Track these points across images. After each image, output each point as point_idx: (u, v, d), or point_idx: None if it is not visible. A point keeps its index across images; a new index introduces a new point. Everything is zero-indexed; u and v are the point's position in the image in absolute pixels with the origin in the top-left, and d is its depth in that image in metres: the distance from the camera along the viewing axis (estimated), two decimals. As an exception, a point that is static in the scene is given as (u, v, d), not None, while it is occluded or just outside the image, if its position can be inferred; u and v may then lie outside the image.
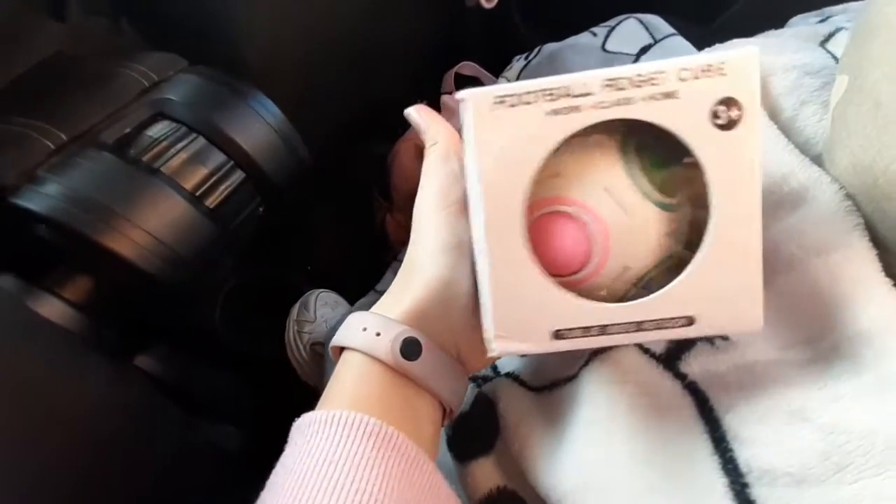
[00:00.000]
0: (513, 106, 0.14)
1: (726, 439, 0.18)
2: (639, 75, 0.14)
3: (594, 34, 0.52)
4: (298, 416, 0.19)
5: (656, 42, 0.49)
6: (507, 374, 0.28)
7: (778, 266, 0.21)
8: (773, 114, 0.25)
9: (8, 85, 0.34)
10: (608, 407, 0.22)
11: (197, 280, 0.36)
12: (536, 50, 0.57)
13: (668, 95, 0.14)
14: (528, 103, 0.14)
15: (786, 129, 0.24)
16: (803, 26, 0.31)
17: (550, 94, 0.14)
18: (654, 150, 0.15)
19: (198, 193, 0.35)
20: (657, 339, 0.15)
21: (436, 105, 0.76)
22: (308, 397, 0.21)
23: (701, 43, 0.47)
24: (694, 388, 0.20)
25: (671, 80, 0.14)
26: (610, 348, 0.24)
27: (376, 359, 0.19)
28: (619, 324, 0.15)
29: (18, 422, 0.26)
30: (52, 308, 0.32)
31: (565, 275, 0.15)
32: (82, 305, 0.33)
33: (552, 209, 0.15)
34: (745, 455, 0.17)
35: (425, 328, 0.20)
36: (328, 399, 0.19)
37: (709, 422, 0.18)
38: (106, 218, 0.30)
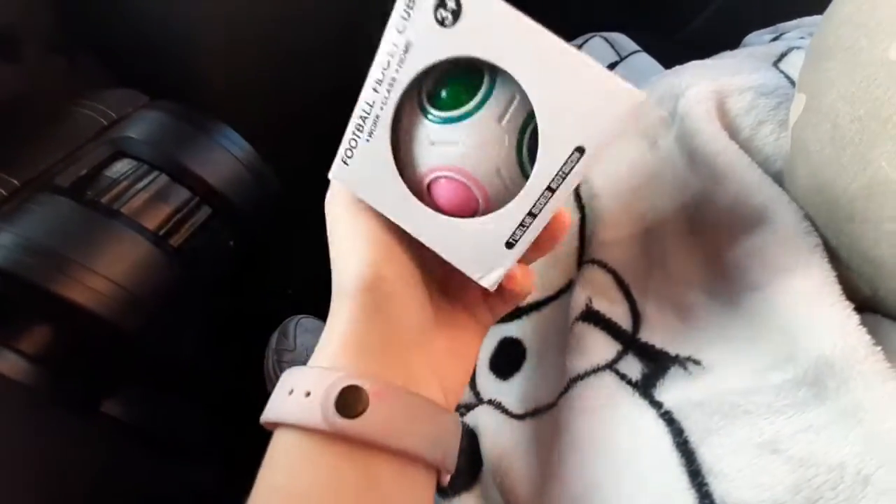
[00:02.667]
0: (350, 156, 0.17)
1: (702, 473, 0.17)
2: (382, 60, 0.15)
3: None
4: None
5: (622, 59, 0.50)
6: (490, 402, 0.28)
7: (744, 284, 0.21)
8: (732, 134, 0.26)
9: (-43, 129, 0.32)
10: (588, 438, 0.22)
11: (163, 322, 0.34)
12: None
13: (407, 48, 0.15)
14: (356, 145, 0.17)
15: (745, 148, 0.25)
16: (757, 46, 0.32)
17: (360, 128, 0.16)
18: (441, 84, 0.16)
19: (161, 233, 0.33)
20: (572, 188, 0.15)
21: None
22: None
23: (665, 57, 0.48)
24: (669, 417, 0.20)
25: (398, 38, 0.15)
26: (586, 376, 0.23)
27: (315, 430, 0.15)
28: (536, 200, 0.15)
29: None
30: (7, 364, 0.31)
31: (474, 213, 0.17)
32: (41, 358, 0.32)
33: (425, 183, 0.17)
34: (721, 490, 0.17)
35: (370, 358, 0.16)
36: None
37: (684, 454, 0.18)
38: (61, 266, 0.29)
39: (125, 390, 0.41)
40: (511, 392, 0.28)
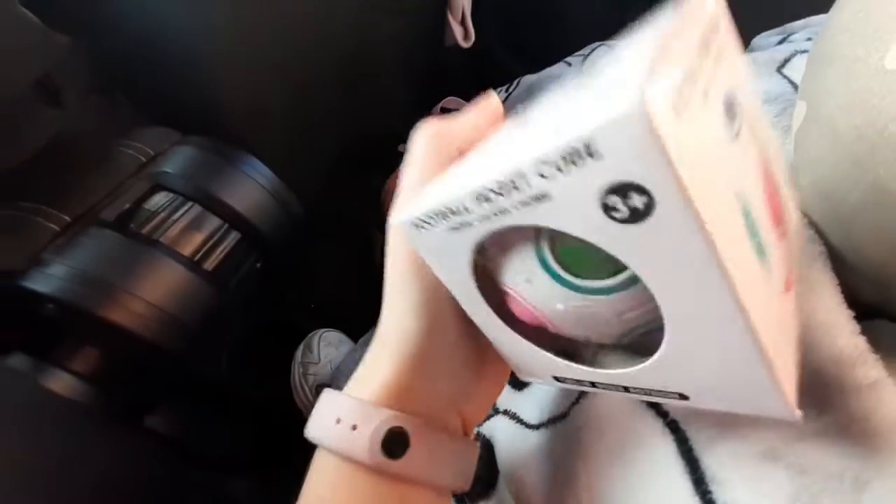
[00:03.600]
0: (425, 228, 0.14)
1: (705, 481, 0.18)
2: (498, 183, 0.11)
3: (569, 64, 0.54)
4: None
5: (629, 67, 0.50)
6: (505, 412, 0.28)
7: None
8: None
9: (12, 172, 0.36)
10: (599, 449, 0.22)
11: (200, 341, 0.37)
12: (516, 82, 0.59)
13: (540, 198, 0.11)
14: (432, 225, 0.14)
15: None
16: (761, 52, 0.32)
17: (444, 216, 0.13)
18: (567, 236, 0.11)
19: (196, 258, 0.36)
20: (651, 400, 0.14)
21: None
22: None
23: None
24: (675, 426, 0.20)
25: (534, 181, 0.10)
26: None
27: (356, 461, 0.16)
28: (605, 384, 0.15)
29: (39, 499, 0.27)
30: (62, 383, 0.33)
31: (538, 332, 0.15)
32: (91, 377, 0.34)
33: (503, 289, 0.15)
34: (724, 497, 0.17)
35: (412, 401, 0.17)
36: None
37: (689, 462, 0.18)
38: (108, 292, 0.31)
39: (165, 406, 0.43)
40: (526, 402, 0.28)
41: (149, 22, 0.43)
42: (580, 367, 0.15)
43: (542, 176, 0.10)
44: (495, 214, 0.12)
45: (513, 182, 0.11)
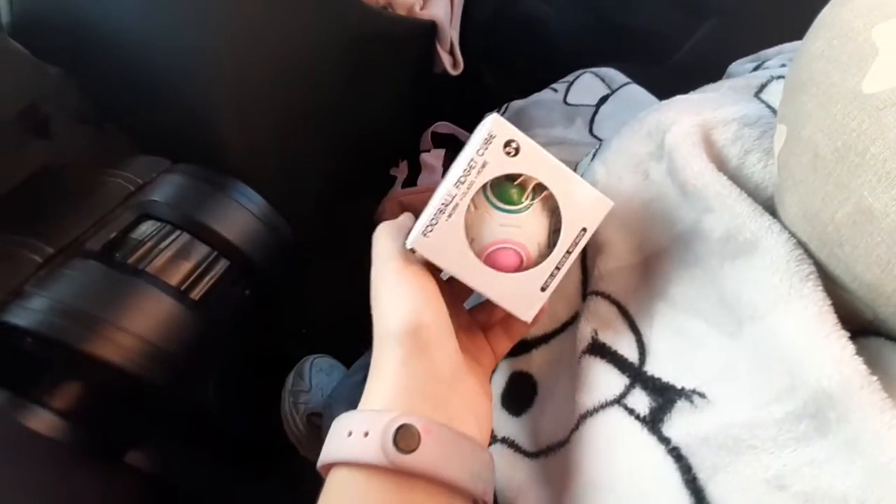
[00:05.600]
0: (430, 231, 0.23)
1: None
2: (464, 168, 0.22)
3: (555, 90, 0.55)
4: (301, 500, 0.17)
5: (613, 92, 0.51)
6: (503, 440, 0.28)
7: (743, 315, 0.22)
8: (721, 164, 0.26)
9: (-3, 203, 0.35)
10: (599, 477, 0.22)
11: (186, 372, 0.36)
12: (505, 106, 0.60)
13: (484, 165, 0.22)
14: (436, 223, 0.23)
15: (734, 178, 0.25)
16: (738, 78, 0.33)
17: (441, 211, 0.23)
18: (499, 187, 0.24)
19: (183, 287, 0.35)
20: (579, 251, 0.24)
21: (416, 163, 0.79)
22: (310, 476, 0.19)
23: (655, 85, 0.50)
24: (678, 454, 0.20)
25: (478, 158, 0.22)
26: (595, 412, 0.24)
27: (369, 466, 0.17)
28: (560, 260, 0.24)
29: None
30: (41, 421, 0.32)
31: (518, 269, 0.24)
32: (72, 414, 0.33)
33: (489, 251, 0.24)
34: None
35: (417, 398, 0.18)
36: None
37: (694, 492, 0.18)
38: (90, 325, 0.30)
39: (146, 441, 0.42)
40: (524, 429, 0.28)
41: (140, 51, 0.43)
42: (544, 262, 0.24)
43: (480, 154, 0.22)
44: (468, 188, 0.23)
45: (470, 165, 0.22)
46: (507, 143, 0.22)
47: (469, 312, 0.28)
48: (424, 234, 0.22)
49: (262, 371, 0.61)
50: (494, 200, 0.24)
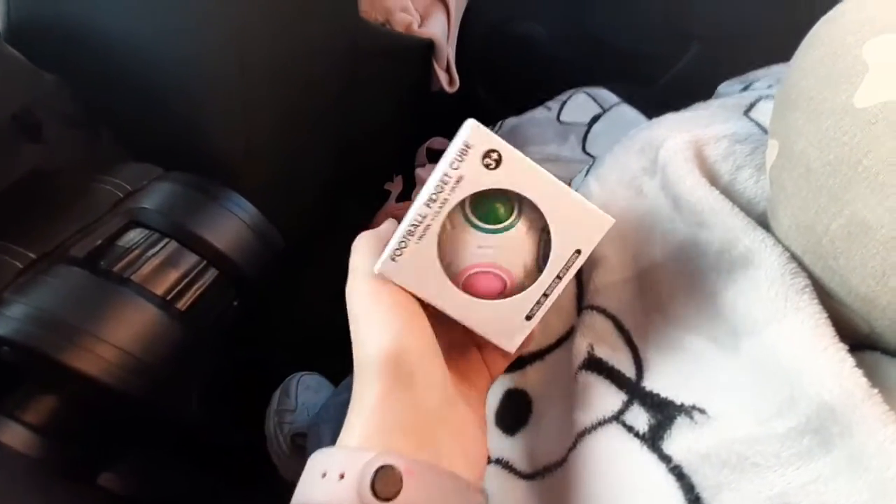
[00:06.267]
0: (399, 255, 0.20)
1: None
2: (435, 185, 0.20)
3: (548, 108, 0.56)
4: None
5: (605, 111, 0.53)
6: (497, 461, 0.27)
7: (739, 329, 0.21)
8: (713, 180, 0.26)
9: (-20, 207, 0.35)
10: (599, 497, 0.21)
11: (168, 386, 0.34)
12: (499, 124, 0.61)
13: (459, 180, 0.20)
14: (406, 246, 0.20)
15: (727, 193, 0.26)
16: (728, 98, 0.34)
17: (411, 233, 0.20)
18: (479, 203, 0.21)
19: (169, 297, 0.34)
20: (572, 276, 0.22)
21: (411, 177, 0.80)
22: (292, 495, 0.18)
23: (645, 105, 0.51)
24: (679, 472, 0.19)
25: (452, 172, 0.20)
26: (593, 430, 0.23)
27: None
28: (549, 285, 0.22)
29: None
30: (12, 434, 0.31)
31: (501, 295, 0.22)
32: (45, 428, 0.31)
33: (466, 275, 0.22)
34: None
35: (399, 434, 0.17)
36: None
37: None
38: (69, 335, 0.29)
39: (122, 461, 0.40)
40: (519, 449, 0.27)
41: (136, 59, 0.43)
42: (531, 288, 0.21)
43: (454, 168, 0.20)
44: (440, 206, 0.20)
45: (442, 181, 0.20)
46: (487, 154, 0.19)
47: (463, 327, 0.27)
48: (393, 259, 0.20)
49: (248, 385, 0.59)
50: (473, 219, 0.21)
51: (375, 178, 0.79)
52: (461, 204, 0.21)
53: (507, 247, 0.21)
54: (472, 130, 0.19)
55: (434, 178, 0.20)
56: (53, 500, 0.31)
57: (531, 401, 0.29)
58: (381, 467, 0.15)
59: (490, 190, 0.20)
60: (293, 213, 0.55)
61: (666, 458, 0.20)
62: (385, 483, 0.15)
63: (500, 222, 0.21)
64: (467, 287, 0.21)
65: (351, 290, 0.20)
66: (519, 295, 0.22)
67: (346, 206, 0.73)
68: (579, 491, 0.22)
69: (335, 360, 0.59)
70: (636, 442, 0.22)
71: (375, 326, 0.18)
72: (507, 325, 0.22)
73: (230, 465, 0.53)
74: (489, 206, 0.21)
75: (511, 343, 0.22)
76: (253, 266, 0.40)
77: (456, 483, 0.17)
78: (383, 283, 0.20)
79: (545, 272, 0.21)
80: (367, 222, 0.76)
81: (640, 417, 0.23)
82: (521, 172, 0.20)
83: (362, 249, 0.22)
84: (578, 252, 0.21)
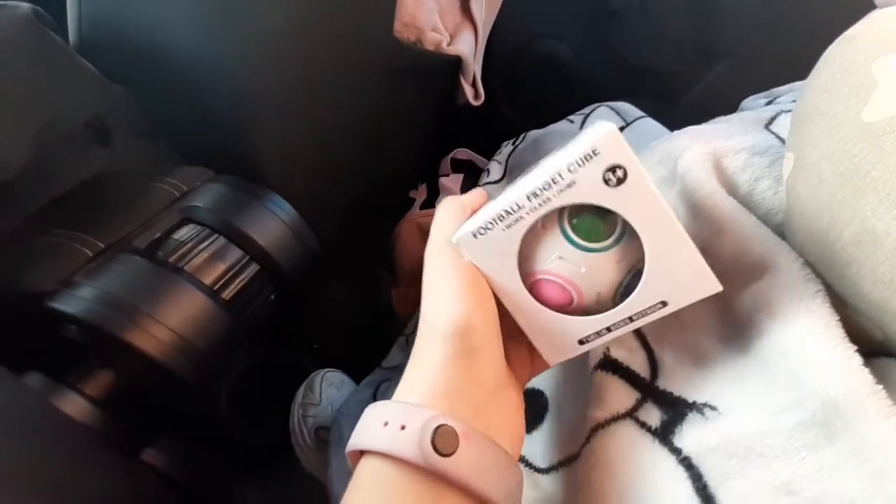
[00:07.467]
0: (482, 234, 0.20)
1: None
2: (544, 181, 0.18)
3: (571, 121, 0.58)
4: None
5: (628, 124, 0.54)
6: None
7: (753, 331, 0.22)
8: (731, 190, 0.27)
9: (54, 201, 0.39)
10: (611, 489, 0.22)
11: (211, 370, 0.37)
12: (522, 136, 0.63)
13: (570, 185, 0.18)
14: (491, 229, 0.20)
15: (745, 203, 0.26)
16: (749, 112, 0.35)
17: (501, 218, 0.19)
18: (581, 215, 0.20)
19: (216, 287, 0.37)
20: (647, 322, 0.20)
21: (435, 186, 0.82)
22: (314, 491, 0.18)
23: (668, 122, 0.52)
24: (688, 463, 0.20)
25: (566, 174, 0.18)
26: (606, 425, 0.24)
27: (403, 461, 0.16)
28: (616, 322, 0.20)
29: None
30: (74, 405, 0.34)
31: (563, 309, 0.21)
32: (102, 402, 0.35)
33: (536, 278, 0.21)
34: None
35: (458, 401, 0.17)
36: None
37: (704, 499, 0.18)
38: (130, 315, 0.33)
39: (164, 441, 0.43)
40: (535, 445, 0.28)
41: (192, 75, 0.47)
42: (597, 316, 0.20)
43: (570, 171, 0.18)
44: (540, 204, 0.19)
45: (553, 179, 0.18)
46: (612, 169, 0.17)
47: None
48: (475, 235, 0.20)
49: (274, 379, 0.62)
50: (568, 228, 0.19)
51: (401, 186, 0.82)
52: (560, 211, 0.19)
53: (591, 268, 0.20)
54: (605, 137, 0.17)
55: (545, 173, 0.18)
56: (105, 468, 0.33)
57: (547, 400, 0.30)
58: (442, 425, 0.16)
59: (602, 211, 0.19)
60: (326, 216, 0.59)
61: (676, 451, 0.21)
62: (444, 441, 0.15)
63: (595, 241, 0.19)
64: (533, 289, 0.20)
65: (431, 254, 0.20)
66: (582, 318, 0.20)
67: (373, 213, 0.75)
68: (592, 483, 0.22)
69: (356, 361, 0.61)
70: (648, 436, 0.22)
71: (450, 297, 0.19)
72: (557, 339, 0.21)
73: (253, 455, 0.55)
74: (590, 222, 0.19)
75: (554, 358, 0.22)
76: (290, 264, 0.43)
77: (504, 456, 0.17)
78: (463, 257, 0.20)
79: (620, 307, 0.20)
80: (391, 230, 0.79)
81: (652, 414, 0.23)
82: (641, 201, 0.18)
83: (447, 214, 0.21)
84: (664, 304, 0.19)
